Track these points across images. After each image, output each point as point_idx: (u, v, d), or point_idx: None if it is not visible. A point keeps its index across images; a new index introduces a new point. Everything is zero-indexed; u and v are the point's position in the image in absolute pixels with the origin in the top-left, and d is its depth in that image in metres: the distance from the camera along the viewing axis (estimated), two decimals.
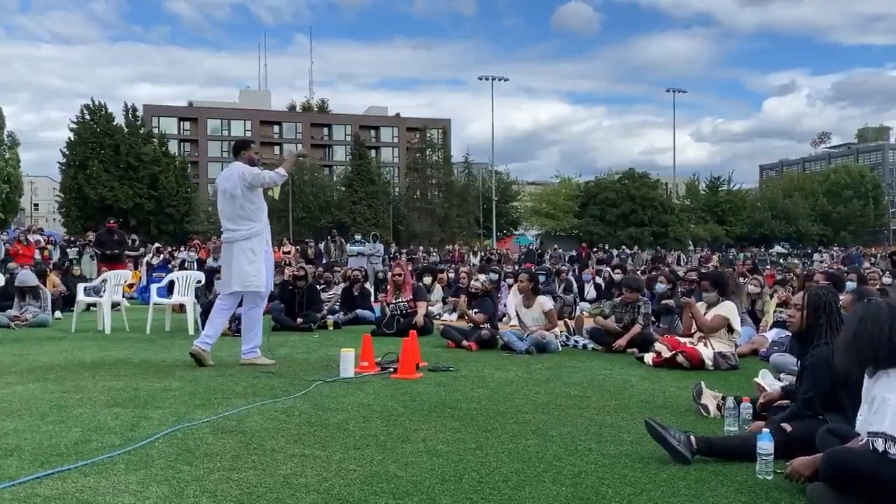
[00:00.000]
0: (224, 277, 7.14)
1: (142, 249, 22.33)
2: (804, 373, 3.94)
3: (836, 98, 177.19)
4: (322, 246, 22.36)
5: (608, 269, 16.31)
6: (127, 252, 16.99)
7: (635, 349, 7.70)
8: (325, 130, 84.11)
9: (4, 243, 18.85)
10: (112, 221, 15.98)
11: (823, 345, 3.80)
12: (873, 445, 2.92)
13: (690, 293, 9.08)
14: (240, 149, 7.18)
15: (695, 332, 7.11)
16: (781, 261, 30.62)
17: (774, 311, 8.60)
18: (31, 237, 20.08)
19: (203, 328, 9.49)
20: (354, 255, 20.45)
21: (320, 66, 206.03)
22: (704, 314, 7.11)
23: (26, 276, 11.32)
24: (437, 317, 11.62)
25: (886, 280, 11.87)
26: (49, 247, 21.96)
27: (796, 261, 31.31)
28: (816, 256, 36.77)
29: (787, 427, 3.71)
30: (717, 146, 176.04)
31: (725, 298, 7.18)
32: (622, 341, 7.90)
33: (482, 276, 10.15)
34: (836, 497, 2.97)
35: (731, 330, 7.02)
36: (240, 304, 7.10)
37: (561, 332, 8.81)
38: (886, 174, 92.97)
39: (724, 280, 7.53)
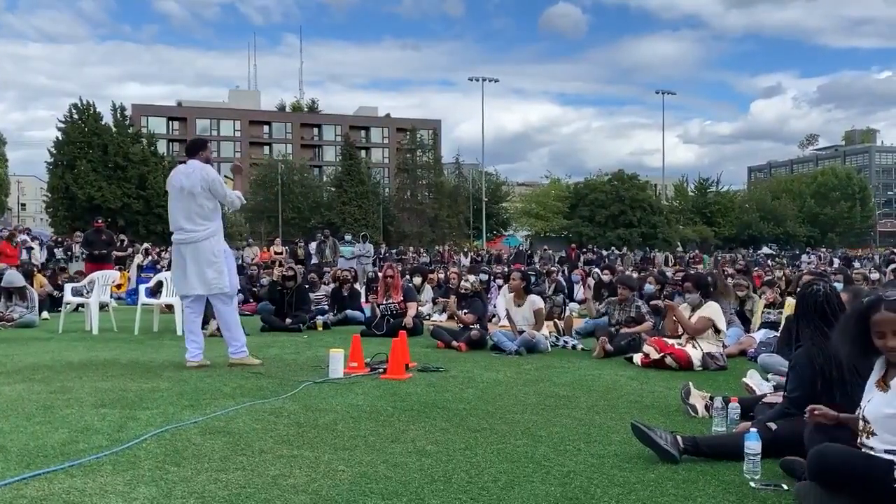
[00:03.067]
0: (179, 280, 6.91)
1: (130, 250, 22.17)
2: (789, 372, 3.96)
3: (822, 100, 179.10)
4: (314, 246, 22.20)
5: (597, 270, 16.34)
6: (116, 252, 16.86)
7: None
8: (315, 131, 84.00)
9: None
10: (100, 221, 15.82)
11: (807, 344, 3.82)
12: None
13: (674, 295, 9.11)
14: (198, 148, 7.05)
15: (682, 334, 7.12)
16: (770, 262, 30.77)
17: (763, 312, 8.63)
18: (18, 237, 19.87)
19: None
20: (349, 256, 20.32)
21: (310, 66, 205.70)
22: (689, 317, 7.13)
23: (12, 277, 11.23)
24: (427, 317, 11.63)
25: (874, 276, 12.02)
26: (35, 246, 21.77)
27: (785, 261, 31.52)
28: (804, 258, 36.96)
29: (773, 425, 3.73)
30: (705, 148, 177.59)
31: (709, 299, 7.21)
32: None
33: (472, 277, 10.14)
34: (823, 495, 2.97)
35: (717, 331, 7.05)
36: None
37: (550, 332, 8.81)
38: (873, 176, 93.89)
39: (706, 281, 7.55)
